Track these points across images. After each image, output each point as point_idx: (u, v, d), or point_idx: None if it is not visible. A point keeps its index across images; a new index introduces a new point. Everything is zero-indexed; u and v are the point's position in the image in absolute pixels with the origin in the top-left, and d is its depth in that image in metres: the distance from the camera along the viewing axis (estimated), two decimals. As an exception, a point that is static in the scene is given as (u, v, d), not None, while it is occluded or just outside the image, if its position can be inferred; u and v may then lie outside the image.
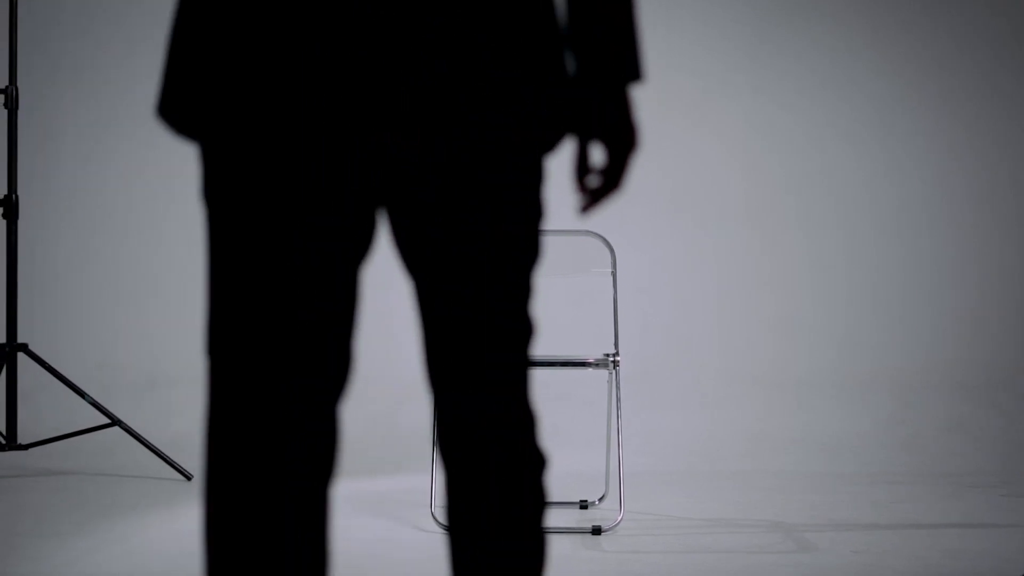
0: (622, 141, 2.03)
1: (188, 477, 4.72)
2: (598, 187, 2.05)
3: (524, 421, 2.37)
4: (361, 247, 2.08)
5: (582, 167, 2.07)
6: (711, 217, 5.72)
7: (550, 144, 2.07)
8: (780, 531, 3.93)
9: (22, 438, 4.76)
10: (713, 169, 5.72)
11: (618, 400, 4.01)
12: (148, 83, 5.72)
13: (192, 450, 5.00)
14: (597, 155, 1.97)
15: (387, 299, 5.64)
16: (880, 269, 5.73)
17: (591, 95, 2.03)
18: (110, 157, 5.70)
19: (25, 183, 5.18)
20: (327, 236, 1.98)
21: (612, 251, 4.23)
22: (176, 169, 5.71)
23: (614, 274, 4.23)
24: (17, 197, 4.78)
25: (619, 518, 3.88)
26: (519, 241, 2.31)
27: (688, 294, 5.70)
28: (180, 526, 3.98)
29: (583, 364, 3.96)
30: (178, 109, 1.91)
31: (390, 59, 2.26)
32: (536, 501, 2.32)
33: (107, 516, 4.08)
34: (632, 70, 2.02)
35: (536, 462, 2.32)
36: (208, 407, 1.90)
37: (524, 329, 2.33)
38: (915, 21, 5.79)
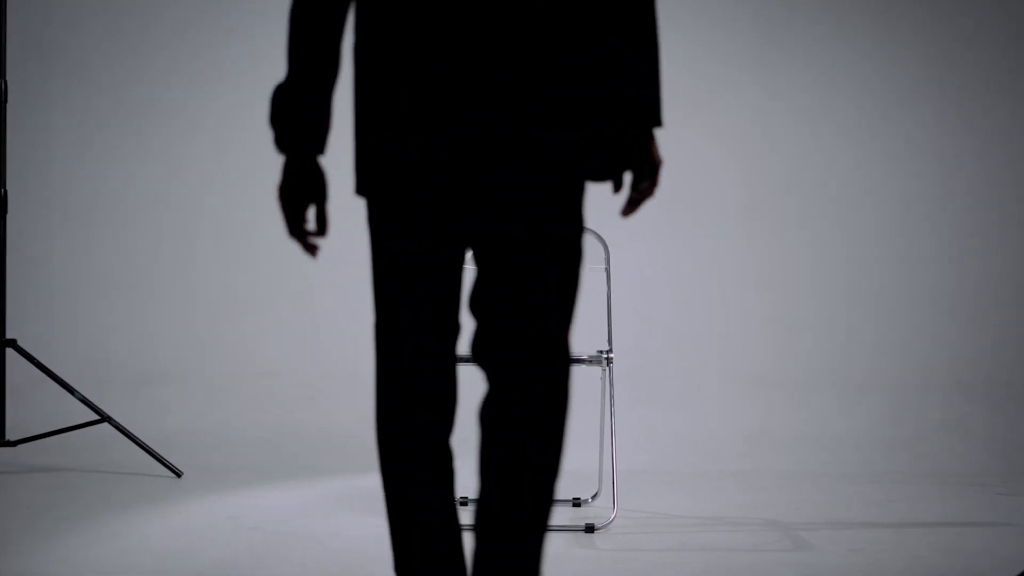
0: (654, 165, 2.49)
1: (178, 474, 4.68)
2: (638, 194, 2.50)
3: (525, 422, 2.37)
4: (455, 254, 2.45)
5: (625, 183, 2.52)
6: (710, 215, 5.69)
7: (602, 175, 2.50)
8: (777, 529, 3.89)
9: (11, 434, 4.72)
10: (712, 167, 5.69)
11: (611, 397, 3.98)
12: (141, 78, 5.69)
13: (183, 447, 4.97)
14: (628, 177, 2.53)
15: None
16: (880, 268, 5.70)
17: (632, 137, 2.49)
18: (101, 152, 5.66)
19: (15, 177, 5.14)
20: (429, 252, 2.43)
21: (606, 247, 4.20)
22: (168, 165, 5.68)
23: (608, 270, 4.20)
24: (6, 191, 4.75)
25: (612, 516, 3.85)
26: (519, 242, 2.48)
27: (687, 292, 5.67)
28: (171, 523, 3.95)
29: (577, 361, 3.93)
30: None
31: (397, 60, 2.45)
32: (537, 502, 2.37)
33: (98, 513, 4.05)
34: (657, 119, 2.50)
35: (539, 463, 2.38)
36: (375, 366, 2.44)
37: (523, 329, 2.44)
38: (917, 20, 5.75)
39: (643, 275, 5.53)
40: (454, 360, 2.48)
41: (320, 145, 2.52)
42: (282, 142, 2.50)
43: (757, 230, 5.70)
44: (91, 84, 5.66)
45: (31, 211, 5.52)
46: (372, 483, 4.61)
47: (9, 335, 4.83)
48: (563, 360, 2.44)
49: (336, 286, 5.59)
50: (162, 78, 5.67)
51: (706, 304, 5.66)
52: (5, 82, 4.70)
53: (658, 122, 2.51)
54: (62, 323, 5.54)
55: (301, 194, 2.49)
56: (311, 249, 2.51)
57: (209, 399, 5.43)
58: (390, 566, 3.40)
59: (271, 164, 6.00)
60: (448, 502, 2.47)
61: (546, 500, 2.39)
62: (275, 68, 5.71)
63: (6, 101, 4.71)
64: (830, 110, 5.73)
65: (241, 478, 4.68)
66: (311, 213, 2.51)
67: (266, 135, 5.90)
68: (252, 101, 5.66)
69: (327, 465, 4.96)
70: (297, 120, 2.50)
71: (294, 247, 5.48)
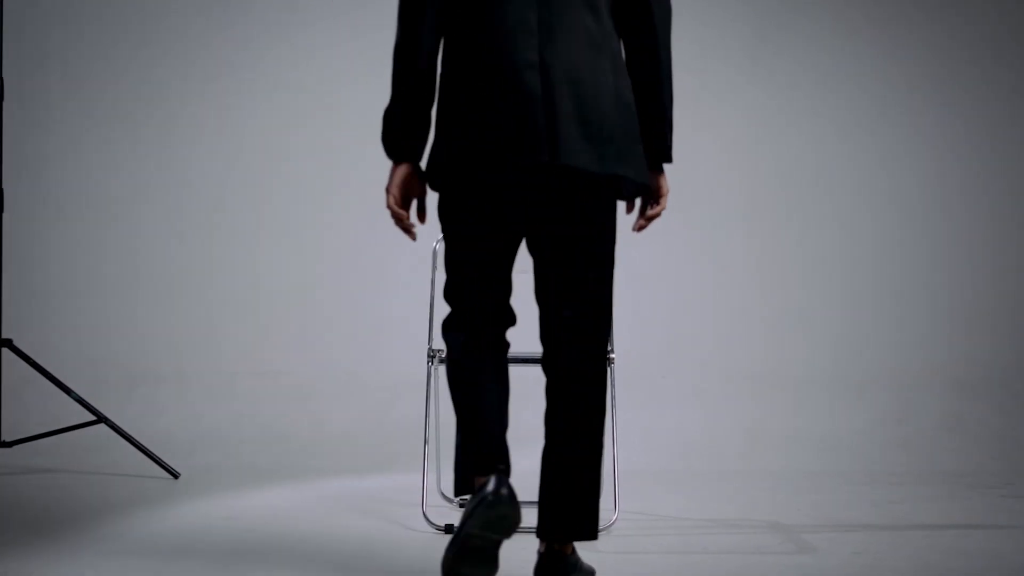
0: (662, 195, 3.11)
1: (175, 475, 4.65)
2: (649, 218, 3.12)
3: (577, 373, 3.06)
4: (512, 244, 3.09)
5: (644, 208, 3.13)
6: (709, 214, 5.67)
7: (627, 197, 3.11)
8: (779, 532, 3.87)
9: (6, 435, 4.70)
10: (711, 166, 5.67)
11: (613, 398, 3.94)
12: (138, 77, 5.67)
13: (179, 448, 4.95)
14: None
15: (378, 300, 5.58)
16: (878, 267, 5.68)
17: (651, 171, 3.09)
18: (98, 151, 5.63)
19: (11, 176, 5.11)
20: (492, 240, 3.05)
21: (607, 246, 4.16)
22: (165, 165, 5.65)
23: (609, 270, 4.16)
24: (2, 190, 4.72)
25: (614, 518, 3.83)
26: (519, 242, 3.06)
27: (686, 292, 5.65)
28: (167, 525, 3.92)
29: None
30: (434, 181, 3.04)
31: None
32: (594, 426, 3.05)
33: (93, 514, 4.02)
34: (669, 158, 3.09)
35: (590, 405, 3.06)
36: (446, 320, 3.15)
37: (545, 322, 3.07)
38: (913, 20, 5.74)
39: (641, 275, 5.51)
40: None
41: (420, 154, 3.02)
42: (391, 153, 3.01)
43: (755, 230, 5.68)
44: (88, 83, 5.63)
45: (27, 210, 5.49)
46: (367, 484, 4.61)
47: (5, 335, 4.80)
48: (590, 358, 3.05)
49: (333, 287, 5.57)
50: (159, 77, 5.64)
51: (704, 303, 5.64)
52: (1, 80, 4.68)
53: (669, 159, 3.09)
54: (58, 323, 5.52)
55: (406, 192, 3.01)
56: (412, 235, 3.06)
57: (205, 400, 5.40)
58: (386, 566, 3.38)
59: (268, 165, 5.98)
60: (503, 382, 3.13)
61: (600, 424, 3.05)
62: (272, 66, 5.72)
63: (2, 99, 4.68)
64: (829, 110, 5.71)
65: (237, 479, 4.66)
66: (413, 206, 3.05)
67: (265, 136, 5.87)
68: (250, 100, 5.64)
69: (323, 466, 4.93)
70: (402, 136, 2.98)
71: (290, 248, 5.53)
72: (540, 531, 3.08)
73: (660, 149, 3.05)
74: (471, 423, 3.08)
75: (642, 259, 5.54)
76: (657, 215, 3.11)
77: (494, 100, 2.89)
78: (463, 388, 3.11)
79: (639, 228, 3.13)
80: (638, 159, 3.00)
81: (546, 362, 3.09)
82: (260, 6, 5.66)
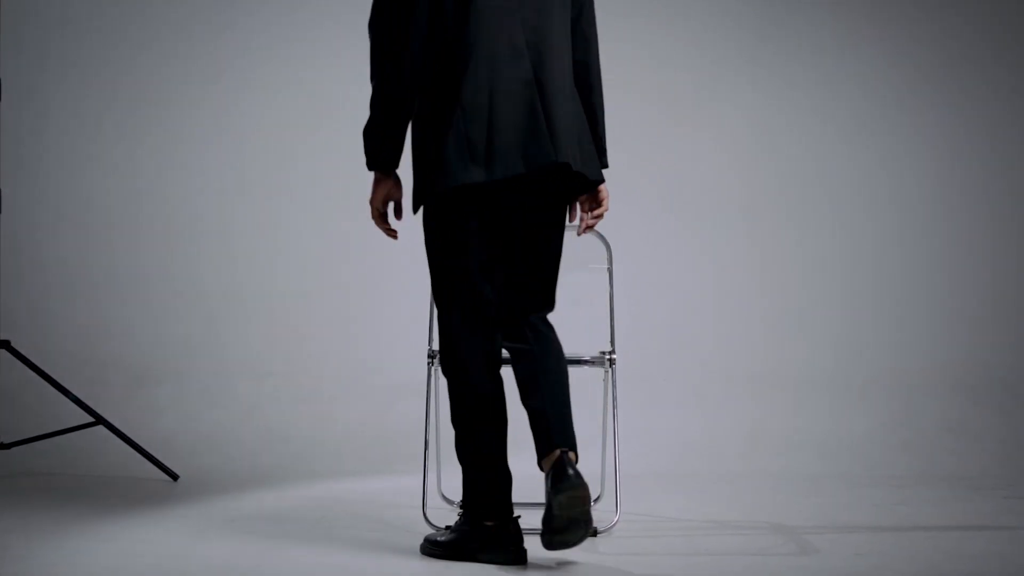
0: (605, 197, 3.50)
1: (174, 477, 4.63)
2: (596, 217, 3.52)
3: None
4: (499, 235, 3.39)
5: (585, 211, 3.52)
6: (709, 216, 5.66)
7: (572, 197, 3.49)
8: (782, 533, 3.86)
9: (4, 437, 4.68)
10: (711, 167, 5.66)
11: (614, 399, 3.93)
12: (135, 77, 5.65)
13: (178, 449, 4.93)
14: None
15: (378, 302, 5.56)
16: (879, 269, 5.67)
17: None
18: (95, 151, 5.62)
19: (10, 177, 5.10)
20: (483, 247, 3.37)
21: (608, 248, 4.15)
22: (164, 166, 5.63)
23: (610, 271, 4.15)
24: (0, 191, 4.71)
25: (615, 519, 3.81)
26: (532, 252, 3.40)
27: (686, 293, 5.64)
28: (166, 527, 3.90)
29: (579, 362, 3.89)
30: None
31: None
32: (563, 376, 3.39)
33: (92, 517, 4.00)
34: (607, 162, 3.50)
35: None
36: (441, 326, 3.44)
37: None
38: (913, 21, 5.73)
39: (641, 276, 5.50)
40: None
41: (397, 163, 3.33)
42: (380, 167, 3.34)
43: (755, 231, 5.67)
44: (87, 84, 5.62)
45: (25, 211, 5.48)
46: (368, 486, 4.59)
47: (2, 336, 4.79)
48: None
49: (333, 289, 5.55)
50: (159, 78, 5.63)
51: (704, 304, 5.63)
52: (-1, 80, 4.67)
53: (607, 164, 3.48)
54: (56, 324, 5.50)
55: (385, 196, 3.36)
56: (392, 234, 3.39)
57: (205, 401, 5.39)
58: (386, 569, 3.36)
59: (268, 167, 5.96)
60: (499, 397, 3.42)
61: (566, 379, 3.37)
62: (270, 66, 5.70)
63: (0, 99, 4.67)
64: (829, 110, 5.70)
65: (236, 481, 4.64)
66: (391, 208, 3.39)
67: (265, 138, 5.85)
68: (250, 102, 5.63)
69: (323, 468, 4.92)
70: (390, 151, 3.32)
71: (290, 250, 5.58)
72: (548, 446, 3.29)
73: (602, 153, 3.46)
74: (476, 473, 3.40)
75: (642, 260, 5.53)
76: (601, 216, 3.51)
77: (500, 112, 3.23)
78: (465, 435, 3.39)
79: (585, 229, 3.52)
80: (595, 160, 3.40)
81: (509, 321, 3.40)
82: (261, 6, 5.65)
